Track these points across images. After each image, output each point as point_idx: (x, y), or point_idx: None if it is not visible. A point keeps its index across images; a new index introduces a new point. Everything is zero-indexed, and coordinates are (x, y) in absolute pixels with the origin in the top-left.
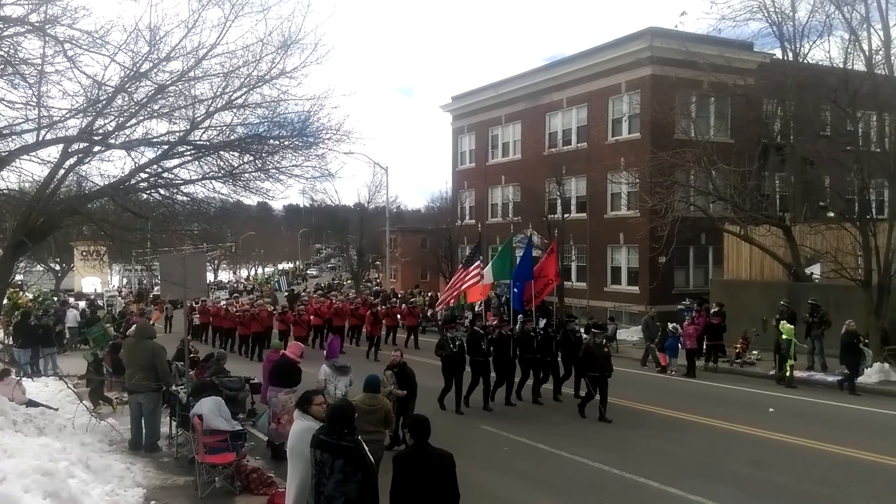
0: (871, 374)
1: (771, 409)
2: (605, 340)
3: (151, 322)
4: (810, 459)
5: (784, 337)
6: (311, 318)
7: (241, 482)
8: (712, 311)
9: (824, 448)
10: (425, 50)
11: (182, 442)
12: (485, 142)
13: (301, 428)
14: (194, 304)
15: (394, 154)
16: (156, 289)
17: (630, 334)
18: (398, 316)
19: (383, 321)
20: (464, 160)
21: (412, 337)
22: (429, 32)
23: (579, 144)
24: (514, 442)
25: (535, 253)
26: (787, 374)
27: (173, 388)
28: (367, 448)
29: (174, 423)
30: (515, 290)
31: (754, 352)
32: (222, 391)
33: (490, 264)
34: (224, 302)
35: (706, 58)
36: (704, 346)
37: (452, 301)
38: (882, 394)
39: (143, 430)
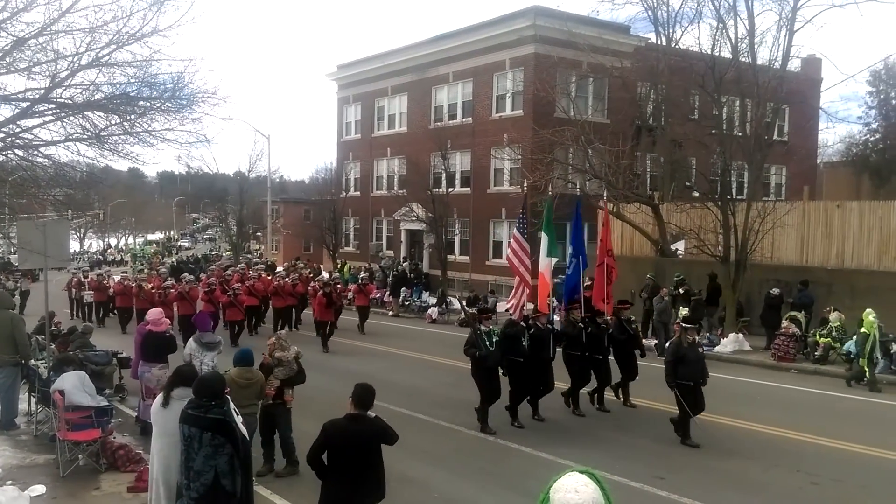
0: (727, 345)
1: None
2: (696, 338)
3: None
4: (667, 423)
5: (862, 331)
6: (245, 297)
7: (106, 459)
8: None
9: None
10: (310, 17)
11: (42, 419)
12: (371, 113)
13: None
14: (83, 279)
15: (277, 123)
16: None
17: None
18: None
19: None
20: (349, 131)
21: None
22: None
23: (464, 119)
24: (390, 412)
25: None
26: (866, 373)
27: (33, 362)
28: (238, 420)
29: (33, 400)
30: (574, 260)
31: None
32: (87, 366)
33: (544, 244)
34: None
35: (586, 39)
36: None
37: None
38: (736, 362)
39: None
